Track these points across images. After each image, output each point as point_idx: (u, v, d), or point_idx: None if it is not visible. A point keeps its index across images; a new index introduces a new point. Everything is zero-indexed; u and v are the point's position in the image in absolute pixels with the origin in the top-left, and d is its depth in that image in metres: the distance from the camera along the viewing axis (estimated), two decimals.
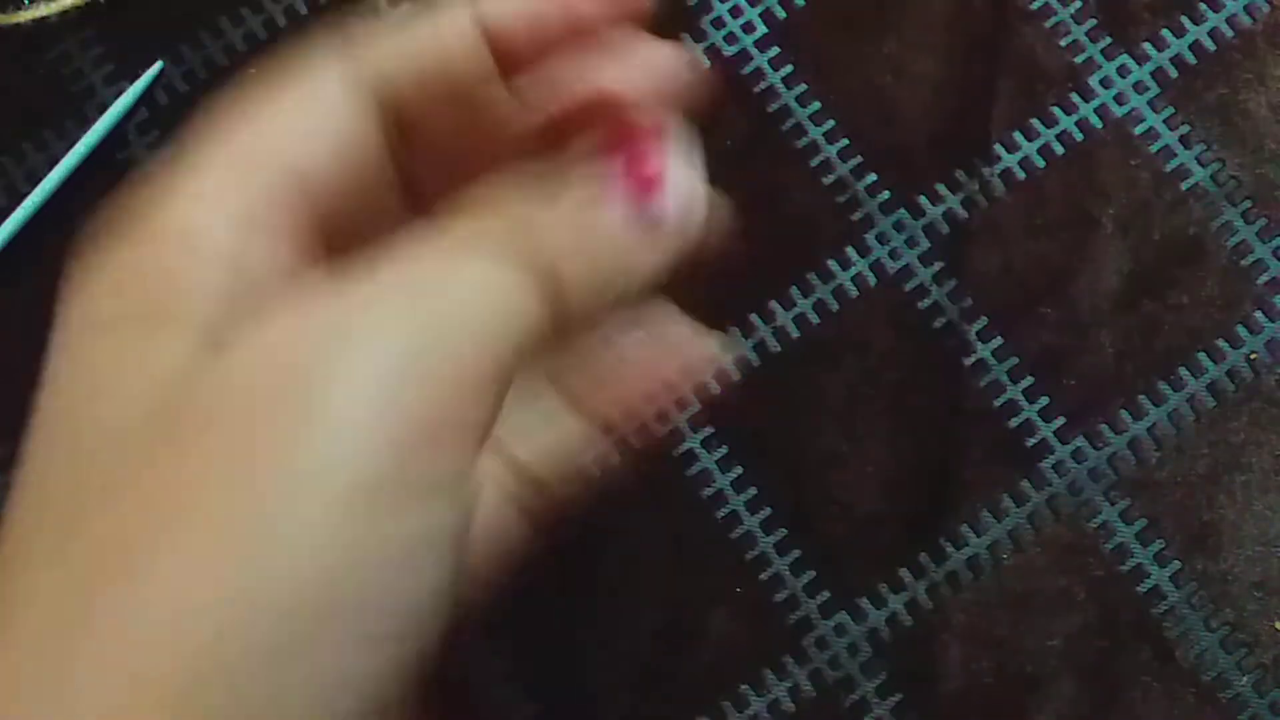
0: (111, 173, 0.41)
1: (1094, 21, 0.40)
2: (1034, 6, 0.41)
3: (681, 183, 0.23)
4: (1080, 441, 0.37)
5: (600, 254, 0.23)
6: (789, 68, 0.41)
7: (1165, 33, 0.40)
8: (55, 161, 0.40)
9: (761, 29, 0.41)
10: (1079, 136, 0.39)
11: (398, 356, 0.20)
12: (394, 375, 0.20)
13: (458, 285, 0.21)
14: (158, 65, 0.42)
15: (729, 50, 0.41)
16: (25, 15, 0.42)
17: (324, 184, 0.23)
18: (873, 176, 0.39)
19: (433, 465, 0.20)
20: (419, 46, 0.24)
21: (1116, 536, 0.36)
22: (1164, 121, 0.39)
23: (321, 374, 0.19)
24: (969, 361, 0.37)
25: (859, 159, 0.39)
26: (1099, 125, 0.39)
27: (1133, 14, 0.40)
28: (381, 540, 0.19)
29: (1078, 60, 0.40)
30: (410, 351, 0.20)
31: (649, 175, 0.23)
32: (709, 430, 0.37)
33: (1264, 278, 0.38)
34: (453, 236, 0.22)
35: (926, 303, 0.38)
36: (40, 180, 0.40)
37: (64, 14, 0.42)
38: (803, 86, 0.40)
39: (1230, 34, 0.40)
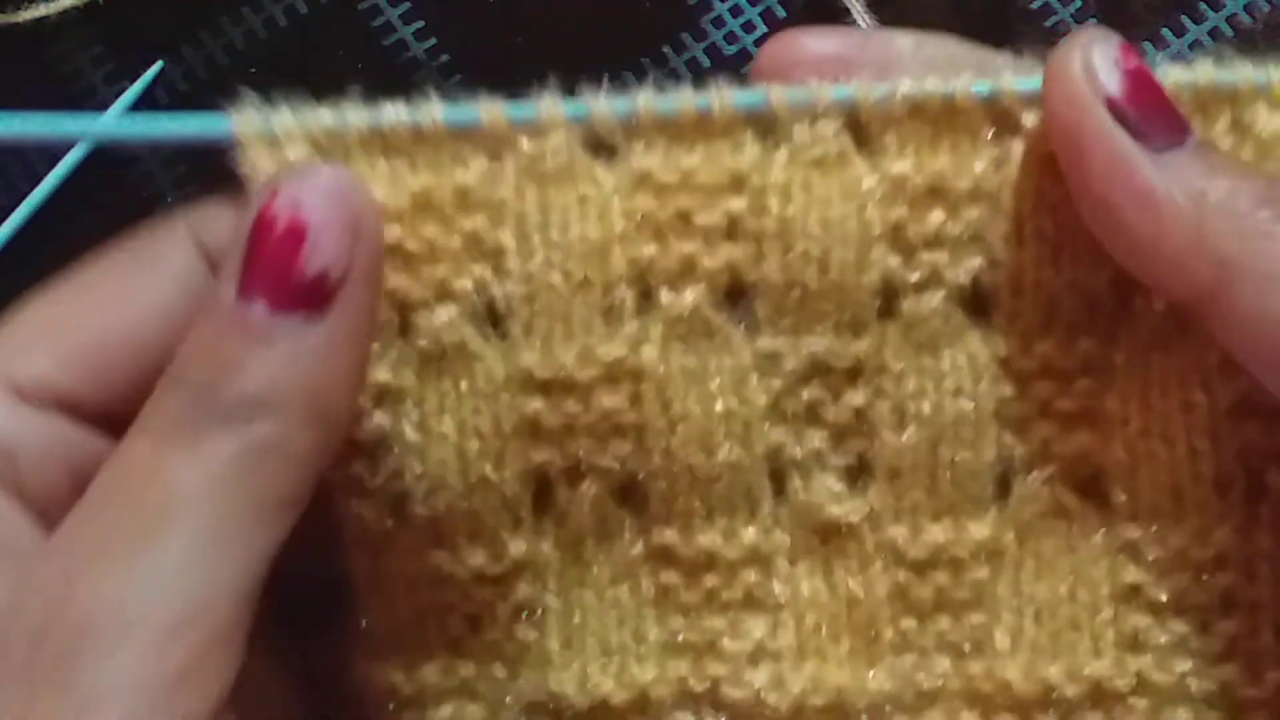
0: (111, 173, 0.41)
1: (1094, 21, 0.40)
2: (1034, 6, 0.40)
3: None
4: None
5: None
6: None
7: (1165, 32, 0.40)
8: (55, 161, 0.40)
9: (762, 28, 0.41)
10: None
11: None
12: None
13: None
14: (158, 65, 0.42)
15: (729, 50, 0.41)
16: (25, 15, 0.42)
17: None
18: None
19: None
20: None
21: None
22: None
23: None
24: None
25: None
26: None
27: (1133, 14, 0.40)
28: None
29: None
30: None
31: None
32: None
33: None
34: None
35: None
36: (40, 180, 0.40)
37: (64, 14, 0.42)
38: None
39: (1230, 33, 0.40)
